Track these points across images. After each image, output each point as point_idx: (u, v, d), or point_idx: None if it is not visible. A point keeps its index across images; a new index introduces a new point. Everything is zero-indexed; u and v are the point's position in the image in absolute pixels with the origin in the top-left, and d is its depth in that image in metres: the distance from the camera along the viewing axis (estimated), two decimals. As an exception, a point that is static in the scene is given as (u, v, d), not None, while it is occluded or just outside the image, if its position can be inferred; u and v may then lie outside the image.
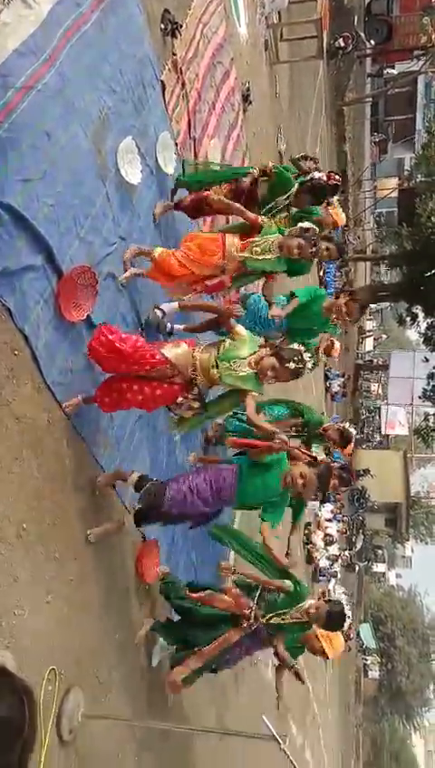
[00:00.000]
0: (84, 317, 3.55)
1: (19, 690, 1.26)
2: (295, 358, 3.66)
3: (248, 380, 3.65)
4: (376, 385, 34.61)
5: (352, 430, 5.80)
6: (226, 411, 4.62)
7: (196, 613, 4.21)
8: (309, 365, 3.96)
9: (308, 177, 5.08)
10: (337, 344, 7.22)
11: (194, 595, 4.20)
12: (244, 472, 3.81)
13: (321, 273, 16.76)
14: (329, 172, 5.54)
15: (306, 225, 4.51)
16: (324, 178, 5.09)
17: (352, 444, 5.78)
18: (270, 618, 4.00)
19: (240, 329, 3.76)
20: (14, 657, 2.73)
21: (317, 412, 6.05)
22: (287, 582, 4.01)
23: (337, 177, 5.46)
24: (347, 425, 5.84)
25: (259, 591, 4.06)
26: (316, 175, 5.10)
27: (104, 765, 3.68)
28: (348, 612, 4.19)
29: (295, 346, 3.87)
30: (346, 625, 4.21)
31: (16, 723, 1.21)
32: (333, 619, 4.00)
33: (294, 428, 5.62)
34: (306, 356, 3.77)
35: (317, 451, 5.08)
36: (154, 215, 4.74)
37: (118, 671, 3.89)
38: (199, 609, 4.20)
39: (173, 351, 3.56)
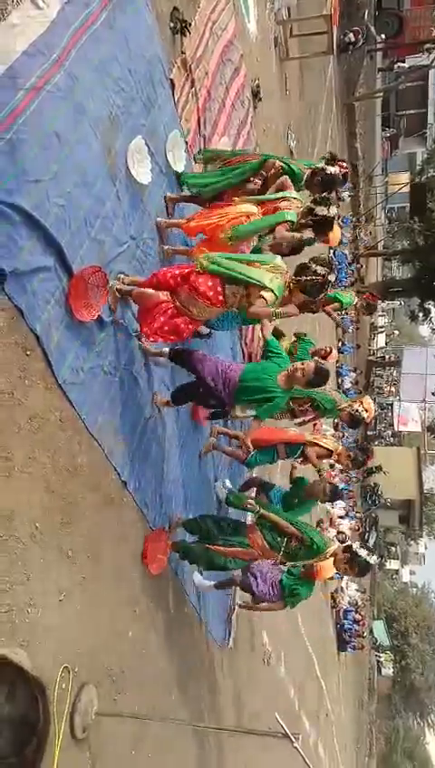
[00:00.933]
0: (95, 317, 3.56)
1: (33, 687, 1.28)
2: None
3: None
4: (388, 381, 34.44)
5: (371, 403, 5.96)
6: None
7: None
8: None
9: (320, 167, 5.07)
10: (334, 351, 7.40)
11: (217, 548, 4.55)
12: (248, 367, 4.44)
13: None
14: (339, 160, 5.53)
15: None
16: (337, 171, 5.08)
17: (370, 415, 5.96)
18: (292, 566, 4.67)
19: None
20: (27, 655, 2.75)
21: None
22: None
23: (344, 164, 5.45)
24: (365, 400, 5.93)
25: (285, 542, 4.75)
26: (329, 169, 5.09)
27: (118, 763, 3.70)
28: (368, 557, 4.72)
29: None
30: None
31: (31, 719, 1.22)
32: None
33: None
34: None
35: (327, 428, 5.31)
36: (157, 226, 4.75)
37: (131, 668, 3.91)
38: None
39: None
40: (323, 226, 4.91)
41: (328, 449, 5.63)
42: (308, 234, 4.73)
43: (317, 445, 5.60)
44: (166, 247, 4.72)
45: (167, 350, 4.49)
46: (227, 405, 4.47)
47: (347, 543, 4.93)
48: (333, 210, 4.84)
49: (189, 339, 4.66)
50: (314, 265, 4.58)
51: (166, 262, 4.73)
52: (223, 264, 3.90)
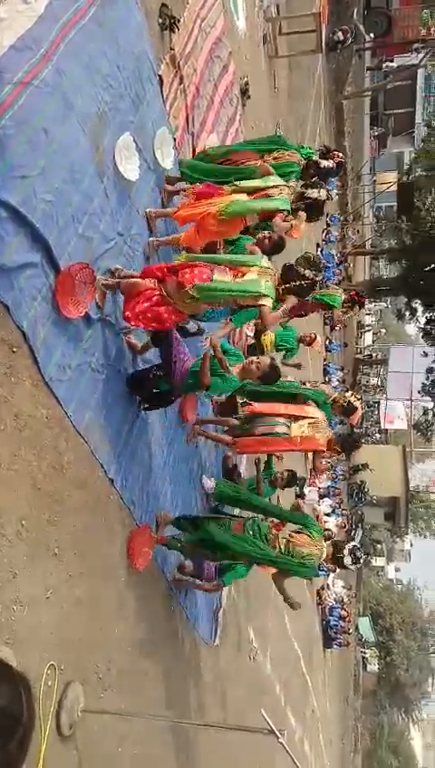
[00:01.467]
0: (82, 313, 3.55)
1: (17, 681, 1.27)
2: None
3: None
4: (375, 379, 34.62)
5: (357, 404, 5.98)
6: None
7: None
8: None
9: (314, 161, 5.12)
10: (319, 338, 7.42)
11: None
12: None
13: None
14: (333, 151, 5.59)
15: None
16: (330, 164, 5.14)
17: (358, 413, 5.99)
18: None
19: None
20: (13, 652, 2.74)
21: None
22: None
23: (339, 155, 5.50)
24: (351, 396, 5.97)
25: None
26: (323, 163, 5.15)
27: (104, 760, 3.70)
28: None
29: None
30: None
31: (15, 712, 1.22)
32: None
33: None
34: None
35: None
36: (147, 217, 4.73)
37: (117, 666, 3.91)
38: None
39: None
40: (314, 209, 4.95)
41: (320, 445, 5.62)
42: (301, 217, 4.75)
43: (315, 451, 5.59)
44: (151, 239, 4.68)
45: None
46: (175, 392, 4.46)
47: (334, 540, 4.94)
48: (323, 193, 4.88)
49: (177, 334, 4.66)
50: (301, 269, 4.59)
51: (153, 255, 4.72)
52: (211, 288, 3.90)
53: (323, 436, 5.14)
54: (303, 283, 4.54)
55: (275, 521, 4.74)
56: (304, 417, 5.01)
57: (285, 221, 4.66)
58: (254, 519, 4.76)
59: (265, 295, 3.95)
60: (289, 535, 4.53)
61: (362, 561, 4.26)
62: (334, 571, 16.99)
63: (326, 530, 16.06)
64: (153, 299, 3.90)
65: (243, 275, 3.97)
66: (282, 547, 4.45)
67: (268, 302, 3.99)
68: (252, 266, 4.04)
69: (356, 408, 5.71)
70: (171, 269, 3.94)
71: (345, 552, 4.35)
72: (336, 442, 5.50)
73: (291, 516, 4.73)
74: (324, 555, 4.50)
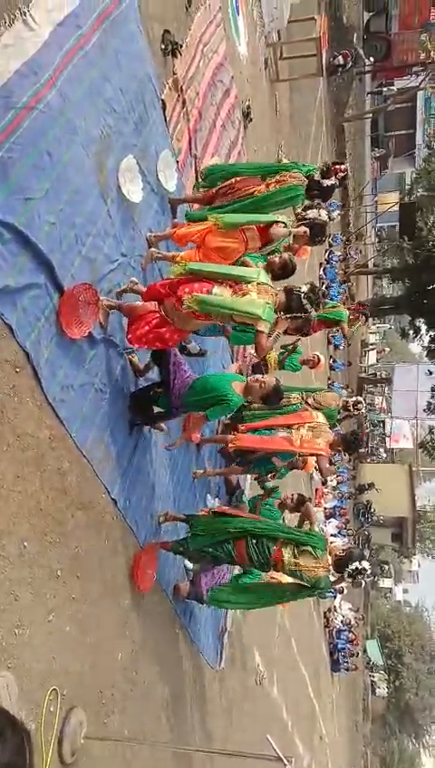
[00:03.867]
0: (86, 334, 3.56)
1: (20, 731, 1.25)
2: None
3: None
4: (380, 398, 34.53)
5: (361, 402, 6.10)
6: None
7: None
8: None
9: (316, 181, 5.17)
10: (323, 359, 7.49)
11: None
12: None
13: (324, 288, 16.81)
14: (334, 164, 5.64)
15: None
16: (332, 182, 5.19)
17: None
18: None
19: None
20: (14, 677, 2.70)
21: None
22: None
23: (342, 167, 5.55)
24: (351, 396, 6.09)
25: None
26: (325, 183, 5.19)
27: (107, 787, 3.62)
28: None
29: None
30: None
31: (19, 765, 1.20)
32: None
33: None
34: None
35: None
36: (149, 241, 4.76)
37: (120, 691, 3.84)
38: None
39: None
40: (316, 231, 4.97)
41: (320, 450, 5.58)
42: (303, 233, 4.78)
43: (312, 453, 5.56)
44: (152, 249, 4.67)
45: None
46: (175, 406, 4.42)
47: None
48: (323, 213, 4.91)
49: (177, 352, 4.67)
50: (304, 301, 4.48)
51: (153, 268, 4.74)
52: (211, 302, 3.90)
53: (324, 439, 5.13)
54: (301, 315, 4.52)
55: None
56: (304, 423, 5.04)
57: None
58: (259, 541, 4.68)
59: (263, 320, 3.93)
60: (295, 564, 4.42)
61: (363, 583, 4.20)
62: (342, 593, 16.79)
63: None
64: (153, 322, 3.91)
65: (244, 294, 3.96)
66: (286, 567, 4.38)
67: (265, 328, 3.95)
68: (250, 282, 4.02)
69: (361, 409, 5.82)
70: (172, 287, 3.96)
71: (346, 573, 4.27)
72: (339, 442, 5.48)
73: (296, 535, 4.64)
74: (331, 571, 4.44)
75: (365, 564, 4.55)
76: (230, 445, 5.27)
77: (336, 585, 4.74)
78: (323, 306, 5.12)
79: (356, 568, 4.44)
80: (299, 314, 4.49)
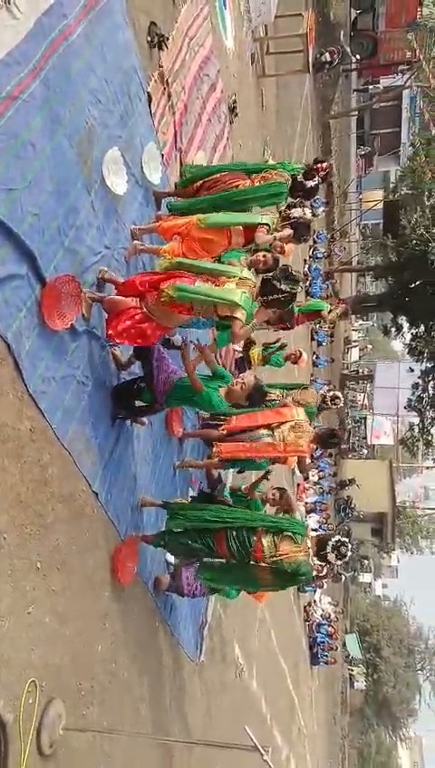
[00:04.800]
0: (68, 325, 3.55)
1: None
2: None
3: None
4: (362, 395, 34.78)
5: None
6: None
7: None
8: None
9: (299, 182, 5.19)
10: (305, 355, 7.57)
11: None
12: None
13: (307, 284, 16.86)
14: (316, 162, 5.64)
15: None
16: (315, 183, 5.21)
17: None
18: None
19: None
20: (-7, 668, 2.70)
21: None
22: None
23: (324, 165, 5.58)
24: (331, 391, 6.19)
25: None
26: (308, 184, 5.22)
27: (85, 779, 3.64)
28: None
29: None
30: None
31: None
32: None
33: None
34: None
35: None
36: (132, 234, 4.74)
37: (100, 683, 3.85)
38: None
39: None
40: (300, 229, 5.00)
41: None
42: (286, 233, 4.82)
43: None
44: (135, 242, 4.67)
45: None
46: (158, 402, 4.46)
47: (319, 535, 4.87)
48: (307, 212, 4.95)
49: (160, 347, 4.66)
50: (277, 283, 4.61)
51: (136, 261, 4.73)
52: (190, 290, 3.91)
53: (306, 439, 5.15)
54: (280, 296, 4.57)
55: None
56: (284, 422, 5.04)
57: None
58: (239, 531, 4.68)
59: (240, 306, 3.97)
60: (275, 552, 4.43)
61: (347, 556, 4.20)
62: (322, 587, 16.93)
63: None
64: (135, 317, 3.91)
65: (222, 285, 4.00)
66: (267, 558, 4.39)
67: (241, 315, 4.00)
68: (232, 277, 4.06)
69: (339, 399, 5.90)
70: (152, 284, 3.95)
71: (329, 548, 4.29)
72: (317, 438, 5.52)
73: (273, 523, 4.64)
74: (311, 555, 4.46)
75: (344, 538, 4.61)
76: (214, 454, 5.28)
77: (320, 577, 4.77)
78: (300, 283, 5.14)
79: (338, 540, 4.49)
80: (278, 295, 4.54)
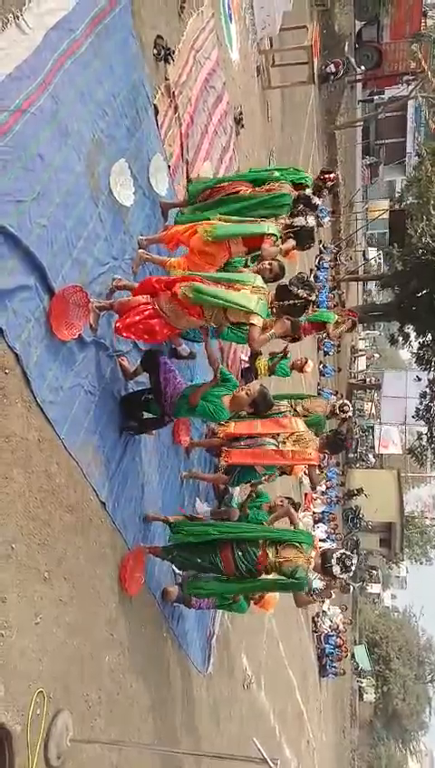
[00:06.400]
0: (76, 336, 3.57)
1: (4, 733, 1.26)
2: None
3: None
4: (369, 404, 34.67)
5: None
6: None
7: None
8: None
9: (305, 195, 5.20)
10: (310, 362, 7.58)
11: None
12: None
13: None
14: (323, 172, 5.67)
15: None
16: (321, 201, 5.23)
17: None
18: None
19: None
20: (0, 679, 2.69)
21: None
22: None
23: (331, 176, 5.60)
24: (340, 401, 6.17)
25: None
26: (314, 199, 5.23)
27: (93, 791, 3.61)
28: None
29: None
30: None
31: None
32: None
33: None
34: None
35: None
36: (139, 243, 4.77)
37: (108, 694, 3.83)
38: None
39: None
40: (303, 236, 5.01)
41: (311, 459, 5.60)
42: (290, 243, 4.84)
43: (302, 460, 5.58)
44: (140, 251, 4.68)
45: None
46: (167, 414, 4.47)
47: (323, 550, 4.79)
48: (311, 219, 4.94)
49: (168, 360, 4.67)
50: (295, 288, 4.64)
51: (143, 271, 4.76)
52: (205, 291, 3.92)
53: (311, 448, 5.14)
54: (296, 302, 4.58)
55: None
56: (287, 434, 5.05)
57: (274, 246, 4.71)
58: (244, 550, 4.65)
59: (255, 313, 3.98)
60: (277, 561, 4.43)
61: (352, 569, 4.13)
62: (330, 597, 16.81)
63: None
64: (145, 312, 3.92)
65: (237, 291, 4.02)
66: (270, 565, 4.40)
67: (258, 321, 4.01)
68: (246, 284, 4.07)
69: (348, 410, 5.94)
70: (168, 284, 3.97)
71: (333, 561, 4.23)
72: (324, 445, 5.50)
73: (278, 534, 4.63)
74: (313, 566, 4.43)
75: (348, 551, 4.58)
76: (222, 462, 5.29)
77: (326, 590, 4.73)
78: (315, 292, 5.13)
79: (342, 553, 4.45)
80: (294, 301, 4.56)
